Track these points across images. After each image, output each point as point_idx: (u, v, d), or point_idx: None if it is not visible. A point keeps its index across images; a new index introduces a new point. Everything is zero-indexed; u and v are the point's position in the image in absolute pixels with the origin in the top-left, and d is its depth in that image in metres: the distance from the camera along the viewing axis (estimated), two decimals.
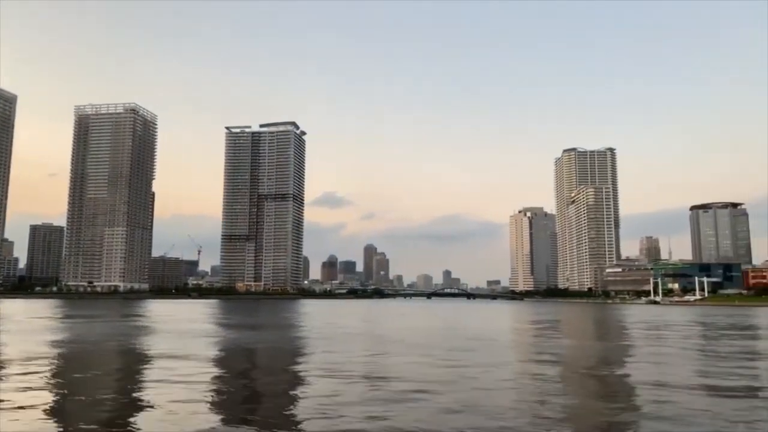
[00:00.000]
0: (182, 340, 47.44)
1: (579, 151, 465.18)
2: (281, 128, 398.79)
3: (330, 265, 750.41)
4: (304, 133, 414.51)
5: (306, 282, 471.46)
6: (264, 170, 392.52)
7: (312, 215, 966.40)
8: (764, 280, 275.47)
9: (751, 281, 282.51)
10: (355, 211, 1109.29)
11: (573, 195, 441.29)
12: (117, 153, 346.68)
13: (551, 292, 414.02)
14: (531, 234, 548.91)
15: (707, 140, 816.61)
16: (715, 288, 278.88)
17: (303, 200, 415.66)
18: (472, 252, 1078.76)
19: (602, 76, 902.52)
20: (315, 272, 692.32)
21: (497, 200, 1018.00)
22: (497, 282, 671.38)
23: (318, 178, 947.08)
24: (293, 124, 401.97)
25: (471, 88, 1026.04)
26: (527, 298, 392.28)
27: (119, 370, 30.48)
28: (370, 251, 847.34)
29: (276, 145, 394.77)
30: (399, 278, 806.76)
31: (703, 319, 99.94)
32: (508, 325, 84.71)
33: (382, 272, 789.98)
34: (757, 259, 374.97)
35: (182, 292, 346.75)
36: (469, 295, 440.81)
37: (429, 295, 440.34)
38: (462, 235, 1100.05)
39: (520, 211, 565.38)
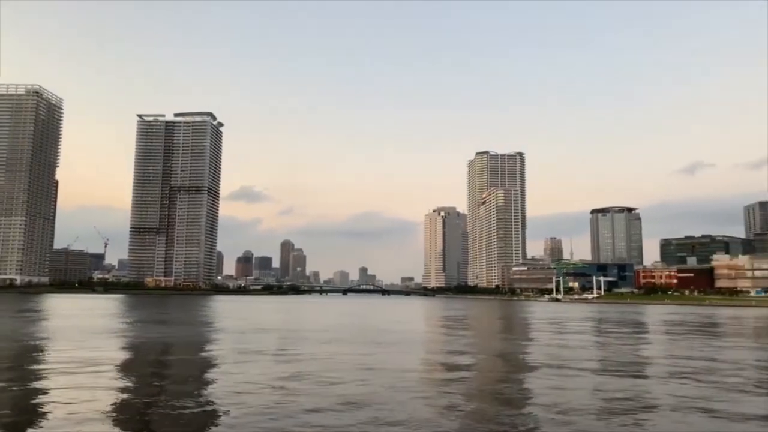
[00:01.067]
0: (82, 337, 45.77)
1: (491, 154, 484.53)
2: (197, 118, 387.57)
3: (245, 261, 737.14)
4: (221, 124, 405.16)
5: (219, 278, 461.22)
6: (178, 161, 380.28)
7: (228, 209, 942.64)
8: (653, 280, 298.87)
9: (642, 281, 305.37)
10: (272, 206, 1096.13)
11: (484, 196, 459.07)
12: (16, 137, 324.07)
13: (461, 289, 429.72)
14: (444, 233, 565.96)
15: (608, 149, 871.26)
16: (610, 286, 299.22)
17: (218, 194, 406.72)
18: (388, 249, 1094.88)
19: (517, 83, 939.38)
20: (229, 268, 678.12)
21: (414, 199, 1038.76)
22: (411, 279, 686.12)
23: (235, 172, 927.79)
24: (210, 114, 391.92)
25: (393, 86, 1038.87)
26: (439, 295, 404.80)
27: (9, 369, 28.87)
28: (287, 247, 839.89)
29: (191, 135, 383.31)
30: (316, 274, 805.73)
31: (599, 316, 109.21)
32: (419, 320, 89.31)
33: (298, 268, 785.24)
34: (648, 260, 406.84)
35: (86, 286, 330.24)
36: (384, 292, 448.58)
37: (345, 292, 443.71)
38: (379, 233, 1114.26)
39: (434, 211, 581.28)
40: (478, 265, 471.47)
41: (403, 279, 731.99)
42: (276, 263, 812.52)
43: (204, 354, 36.33)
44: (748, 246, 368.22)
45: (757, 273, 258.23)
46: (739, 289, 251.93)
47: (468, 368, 29.83)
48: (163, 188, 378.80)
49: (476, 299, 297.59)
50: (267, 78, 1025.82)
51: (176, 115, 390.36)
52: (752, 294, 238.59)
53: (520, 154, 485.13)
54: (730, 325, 76.46)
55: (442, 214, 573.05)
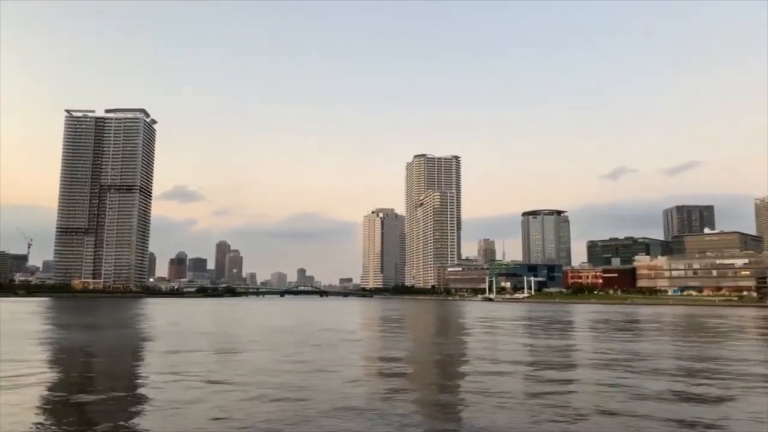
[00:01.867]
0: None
1: (428, 157, 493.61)
2: (129, 115, 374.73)
3: (179, 263, 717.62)
4: (154, 121, 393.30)
5: (152, 280, 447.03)
6: (108, 159, 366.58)
7: (161, 209, 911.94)
8: (580, 280, 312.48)
9: (570, 281, 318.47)
10: (207, 207, 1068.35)
11: (421, 198, 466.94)
12: None
13: (398, 289, 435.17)
14: (382, 234, 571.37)
15: (540, 154, 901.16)
16: (540, 286, 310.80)
17: (151, 193, 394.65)
18: (327, 250, 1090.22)
19: (455, 86, 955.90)
20: (162, 270, 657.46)
21: (353, 200, 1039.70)
22: (349, 280, 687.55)
23: (169, 171, 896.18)
24: (143, 111, 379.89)
25: (333, 85, 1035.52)
26: (377, 295, 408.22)
27: None
28: (222, 248, 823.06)
29: (123, 132, 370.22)
30: (252, 276, 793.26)
31: (529, 314, 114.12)
32: (356, 321, 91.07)
33: (235, 270, 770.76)
34: (576, 261, 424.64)
35: (7, 289, 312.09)
36: (322, 293, 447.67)
37: (282, 293, 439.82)
38: (318, 234, 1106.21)
39: (373, 212, 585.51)
40: (415, 266, 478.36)
41: (342, 280, 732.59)
42: (211, 265, 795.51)
43: (133, 361, 35.20)
44: (666, 247, 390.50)
45: (674, 273, 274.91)
46: (658, 288, 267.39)
47: (404, 365, 31.44)
48: (93, 187, 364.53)
49: (413, 299, 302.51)
50: (204, 76, 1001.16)
51: (107, 111, 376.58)
52: (670, 293, 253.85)
53: (456, 157, 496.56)
54: (647, 322, 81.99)
55: (381, 215, 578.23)
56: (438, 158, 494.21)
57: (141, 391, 24.17)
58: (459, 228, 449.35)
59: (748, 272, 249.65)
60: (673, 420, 18.19)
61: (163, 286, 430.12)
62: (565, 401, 21.07)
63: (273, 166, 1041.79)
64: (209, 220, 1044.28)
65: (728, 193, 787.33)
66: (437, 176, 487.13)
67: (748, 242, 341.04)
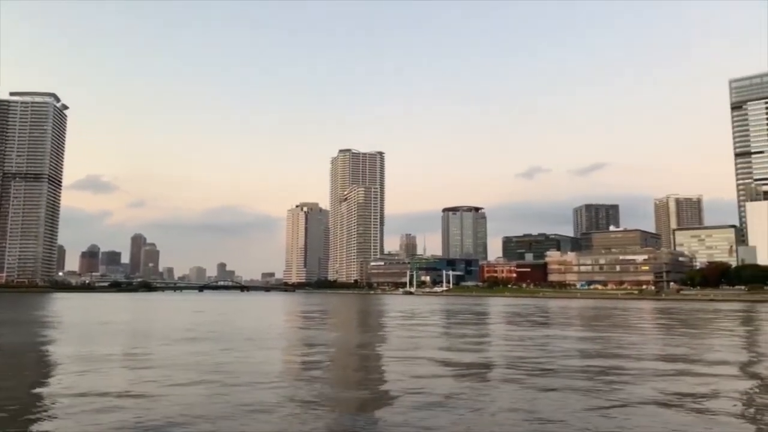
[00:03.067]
0: None
1: (353, 153, 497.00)
2: (38, 99, 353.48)
3: (91, 256, 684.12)
4: (66, 107, 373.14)
5: (61, 274, 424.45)
6: (13, 145, 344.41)
7: (72, 200, 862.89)
8: (495, 274, 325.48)
9: (486, 275, 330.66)
10: (123, 198, 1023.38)
11: (346, 193, 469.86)
12: None
13: (321, 284, 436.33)
14: (306, 228, 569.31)
15: (460, 152, 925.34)
16: (458, 280, 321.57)
17: (61, 182, 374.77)
18: (249, 245, 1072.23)
19: (382, 83, 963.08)
20: (73, 263, 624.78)
21: (277, 195, 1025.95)
22: (272, 274, 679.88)
23: (82, 160, 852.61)
24: (53, 95, 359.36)
25: (260, 78, 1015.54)
26: (299, 290, 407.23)
27: None
28: (138, 241, 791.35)
29: (29, 117, 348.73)
30: (170, 271, 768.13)
31: (447, 307, 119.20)
32: (276, 315, 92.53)
33: (151, 264, 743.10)
34: (492, 256, 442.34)
35: None
36: (243, 288, 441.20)
37: (201, 288, 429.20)
38: (240, 228, 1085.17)
39: (297, 206, 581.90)
40: (338, 261, 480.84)
41: (264, 275, 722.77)
42: (126, 259, 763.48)
43: (38, 361, 31.49)
44: (575, 244, 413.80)
45: (582, 268, 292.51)
46: (567, 282, 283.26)
47: (322, 359, 33.46)
48: None
49: (335, 294, 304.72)
50: (122, 62, 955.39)
51: (12, 93, 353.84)
52: (578, 286, 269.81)
53: (381, 153, 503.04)
54: (557, 314, 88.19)
55: (305, 209, 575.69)
56: (363, 154, 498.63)
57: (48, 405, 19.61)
58: (382, 223, 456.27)
59: (647, 267, 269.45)
60: (580, 376, 21.86)
61: (74, 281, 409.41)
62: (481, 385, 24.04)
63: (193, 157, 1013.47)
64: (124, 212, 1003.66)
65: (632, 194, 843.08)
66: (362, 171, 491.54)
67: (647, 239, 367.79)
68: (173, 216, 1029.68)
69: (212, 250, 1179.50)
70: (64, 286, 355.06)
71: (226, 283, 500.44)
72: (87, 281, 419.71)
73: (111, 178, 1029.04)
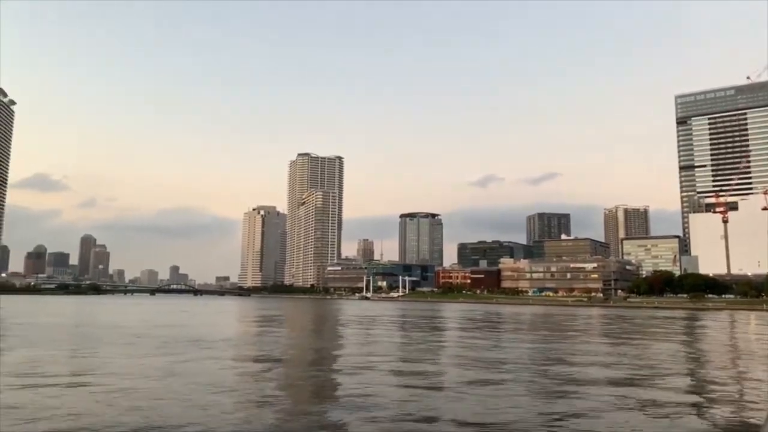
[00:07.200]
0: None
1: (312, 156, 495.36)
2: None
3: (37, 257, 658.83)
4: (13, 102, 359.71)
5: (4, 275, 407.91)
6: None
7: (17, 198, 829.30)
8: (450, 280, 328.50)
9: (441, 280, 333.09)
10: (72, 197, 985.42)
11: (304, 197, 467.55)
12: None
13: (277, 288, 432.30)
14: (263, 232, 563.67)
15: (418, 159, 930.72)
16: (414, 285, 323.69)
17: (6, 180, 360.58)
18: (203, 248, 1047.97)
19: (342, 84, 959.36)
20: (17, 264, 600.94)
21: (233, 197, 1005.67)
22: (227, 278, 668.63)
23: (30, 157, 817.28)
24: (0, 90, 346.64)
25: (219, 76, 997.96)
26: (255, 294, 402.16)
27: None
28: (87, 243, 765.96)
29: None
30: (120, 273, 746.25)
31: (402, 312, 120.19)
32: (228, 320, 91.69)
33: (101, 266, 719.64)
34: (447, 262, 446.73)
35: None
36: (196, 291, 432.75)
37: (153, 292, 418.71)
38: (193, 230, 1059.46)
39: (254, 209, 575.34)
40: (295, 265, 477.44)
41: (218, 279, 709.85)
42: (74, 260, 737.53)
43: None
44: (528, 251, 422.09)
45: (534, 275, 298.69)
46: (520, 288, 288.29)
47: (276, 365, 33.72)
48: None
49: (291, 298, 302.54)
50: (71, 57, 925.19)
51: None
52: (530, 293, 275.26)
53: (340, 158, 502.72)
54: (510, 321, 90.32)
55: (262, 213, 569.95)
56: (321, 158, 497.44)
57: None
58: (340, 228, 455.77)
59: (596, 275, 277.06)
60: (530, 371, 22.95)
61: (17, 282, 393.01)
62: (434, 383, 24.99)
63: (147, 157, 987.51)
64: (74, 212, 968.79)
65: (582, 203, 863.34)
66: (320, 176, 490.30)
67: (597, 248, 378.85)
68: (125, 217, 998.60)
69: (165, 252, 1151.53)
70: (7, 288, 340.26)
71: (179, 286, 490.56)
72: (32, 283, 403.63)
73: (61, 177, 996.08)
